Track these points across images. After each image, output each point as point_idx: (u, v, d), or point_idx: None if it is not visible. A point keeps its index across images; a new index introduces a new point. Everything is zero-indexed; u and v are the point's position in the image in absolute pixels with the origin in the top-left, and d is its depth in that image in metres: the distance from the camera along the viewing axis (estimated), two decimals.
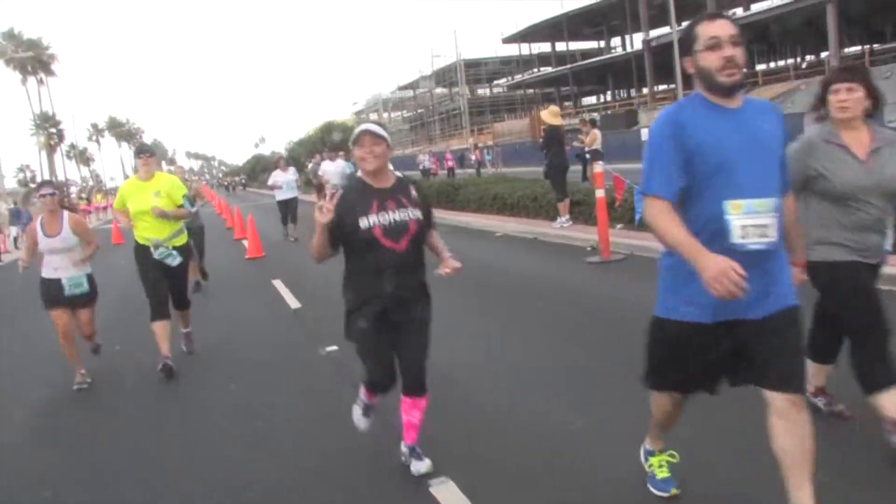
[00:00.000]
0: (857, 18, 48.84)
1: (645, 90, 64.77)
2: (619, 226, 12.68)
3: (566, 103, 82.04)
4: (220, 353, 8.41)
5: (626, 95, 79.53)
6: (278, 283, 12.35)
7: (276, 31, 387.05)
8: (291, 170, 20.26)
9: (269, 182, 19.54)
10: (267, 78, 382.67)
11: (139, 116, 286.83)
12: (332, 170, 19.87)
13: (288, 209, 19.44)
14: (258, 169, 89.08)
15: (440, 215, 19.49)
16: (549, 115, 13.67)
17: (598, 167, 11.21)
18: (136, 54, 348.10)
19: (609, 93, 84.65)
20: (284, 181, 19.25)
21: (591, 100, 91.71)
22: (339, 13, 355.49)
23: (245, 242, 18.58)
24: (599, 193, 11.03)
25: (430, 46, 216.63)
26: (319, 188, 24.76)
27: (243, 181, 78.40)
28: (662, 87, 68.38)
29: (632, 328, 5.12)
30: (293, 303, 10.73)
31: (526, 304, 9.16)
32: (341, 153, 23.01)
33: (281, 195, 19.28)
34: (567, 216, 14.02)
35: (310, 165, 29.28)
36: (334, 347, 7.66)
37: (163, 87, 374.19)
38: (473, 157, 46.88)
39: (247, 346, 8.64)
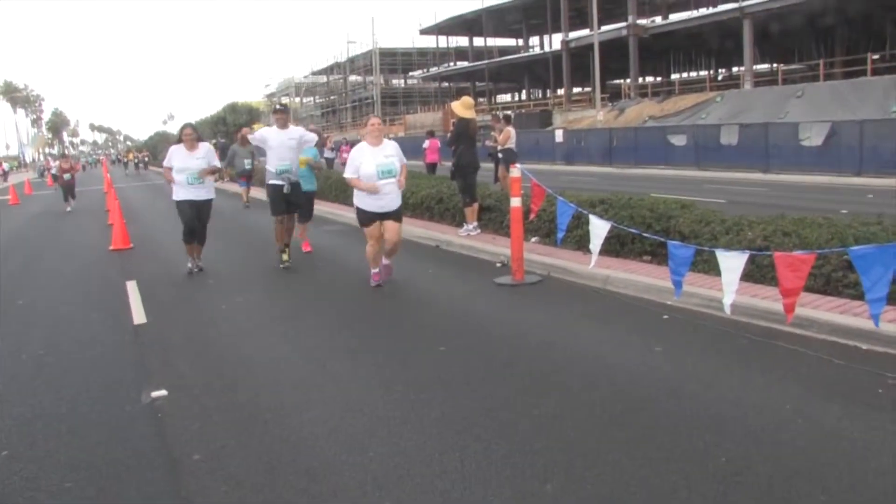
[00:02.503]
0: (771, 37, 49.01)
1: (561, 91, 63.98)
2: (533, 239, 11.12)
3: (481, 99, 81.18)
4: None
5: (541, 95, 79.08)
6: (132, 287, 10.45)
7: (191, 5, 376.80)
8: (203, 148, 11.26)
9: (165, 163, 11.21)
10: (179, 53, 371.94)
11: (39, 83, 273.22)
12: (279, 140, 11.10)
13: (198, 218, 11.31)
14: (160, 147, 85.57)
15: (336, 212, 17.87)
16: (461, 106, 11.94)
17: (515, 171, 9.51)
18: (39, 15, 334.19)
19: (525, 91, 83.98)
20: (185, 167, 10.93)
21: (507, 97, 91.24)
22: None
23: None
24: (515, 203, 9.27)
25: (346, 33, 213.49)
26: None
27: (146, 159, 73.97)
28: (578, 89, 67.87)
29: (534, 373, 5.85)
30: (138, 316, 8.75)
31: (402, 335, 7.46)
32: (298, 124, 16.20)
33: (182, 191, 11.04)
34: (475, 223, 12.38)
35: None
36: (163, 392, 5.88)
37: (67, 53, 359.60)
38: None
39: (44, 383, 6.42)
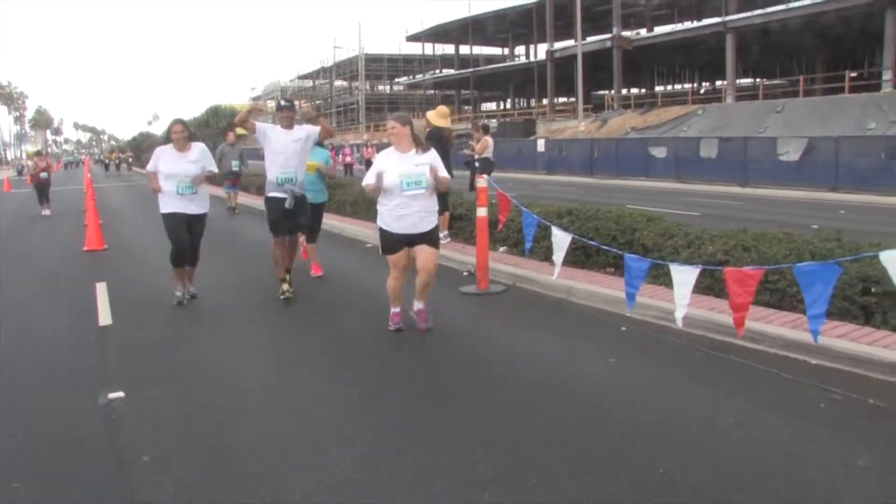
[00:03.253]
0: (754, 52, 49.46)
1: (545, 101, 64.25)
2: (502, 248, 11.22)
3: (466, 107, 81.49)
4: None
5: (525, 104, 79.30)
6: (101, 288, 10.43)
7: (179, 6, 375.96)
8: (197, 148, 9.35)
9: (150, 167, 9.31)
10: (165, 53, 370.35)
11: (23, 80, 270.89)
12: (282, 142, 9.28)
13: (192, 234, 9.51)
14: (143, 147, 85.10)
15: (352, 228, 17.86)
16: (436, 115, 12.01)
17: (482, 181, 9.63)
18: (24, 12, 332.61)
19: (509, 100, 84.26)
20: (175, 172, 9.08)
21: (491, 106, 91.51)
22: None
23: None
24: (481, 213, 9.41)
25: (333, 37, 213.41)
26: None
27: (129, 159, 72.92)
28: (563, 99, 68.17)
29: (487, 382, 5.99)
30: (105, 317, 8.78)
31: (359, 340, 7.53)
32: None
33: (172, 203, 9.17)
34: (446, 231, 12.45)
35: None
36: (120, 394, 5.92)
37: (52, 51, 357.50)
38: (366, 156, 43.28)
39: (1, 383, 6.44)
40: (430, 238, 7.50)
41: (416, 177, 7.25)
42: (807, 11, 41.92)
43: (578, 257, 9.73)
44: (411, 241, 7.42)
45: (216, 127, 48.85)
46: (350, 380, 6.24)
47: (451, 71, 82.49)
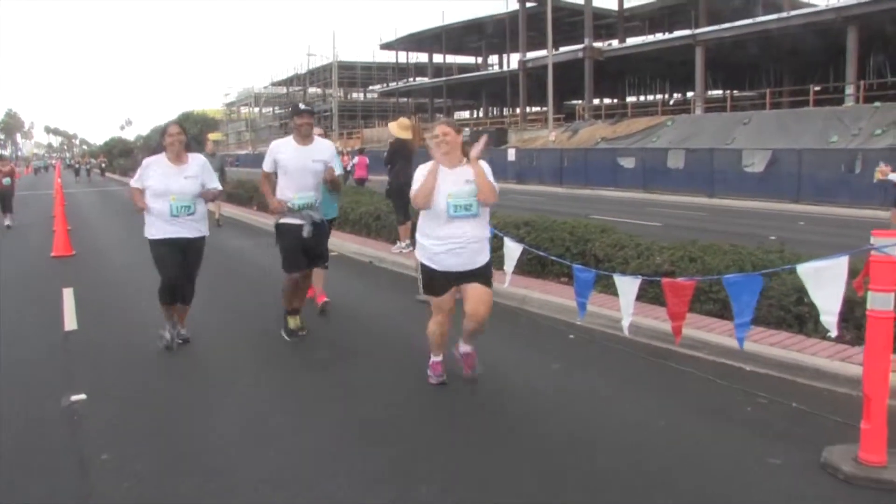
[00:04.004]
0: (723, 64, 50.24)
1: (518, 110, 64.78)
2: None
3: (439, 115, 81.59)
4: None
5: (498, 113, 79.78)
6: (68, 294, 10.58)
7: (152, 9, 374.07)
8: (196, 162, 7.65)
9: (134, 182, 7.65)
10: (138, 57, 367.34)
11: None
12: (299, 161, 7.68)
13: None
14: (115, 152, 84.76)
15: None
16: (398, 127, 12.28)
17: None
18: None
19: (482, 109, 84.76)
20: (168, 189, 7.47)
21: (465, 114, 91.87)
22: (218, 1, 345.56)
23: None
24: None
25: (307, 44, 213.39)
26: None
27: (102, 164, 71.95)
28: (536, 108, 68.67)
29: (434, 388, 6.19)
30: (70, 322, 8.96)
31: (315, 343, 7.78)
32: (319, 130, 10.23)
33: (162, 227, 7.50)
34: (407, 241, 12.71)
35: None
36: (82, 396, 6.13)
37: (23, 53, 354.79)
38: (343, 164, 42.97)
39: None
40: (483, 274, 6.03)
41: (466, 198, 5.81)
42: (773, 26, 42.73)
43: (534, 267, 10.03)
44: (461, 279, 5.96)
45: (188, 134, 48.99)
46: (301, 384, 6.50)
47: (425, 79, 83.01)
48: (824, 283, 4.65)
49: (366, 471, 4.68)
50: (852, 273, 4.68)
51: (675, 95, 66.39)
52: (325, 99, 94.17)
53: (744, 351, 6.45)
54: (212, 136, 13.21)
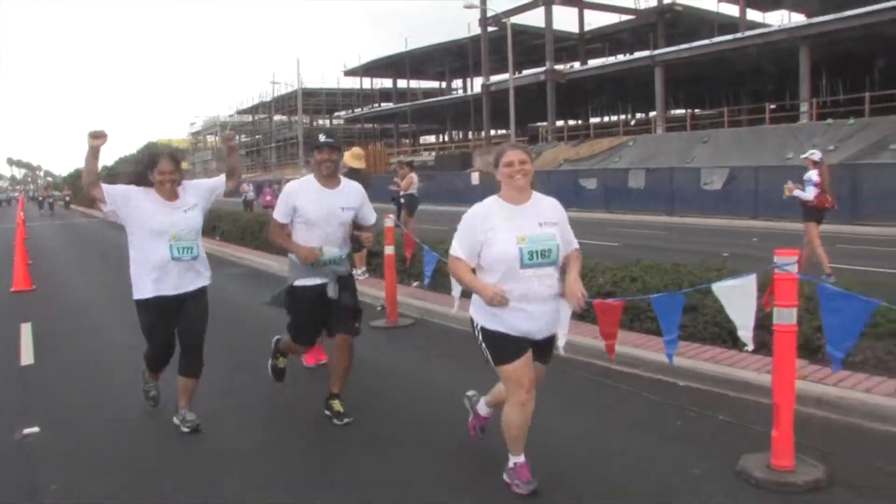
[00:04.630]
0: (683, 84, 51.07)
1: (482, 133, 65.34)
2: (415, 283, 11.72)
3: (404, 140, 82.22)
4: None
5: (463, 137, 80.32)
6: (25, 329, 10.61)
7: (116, 37, 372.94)
8: (190, 190, 6.11)
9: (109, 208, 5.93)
10: (103, 87, 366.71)
11: None
12: (323, 208, 6.11)
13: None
14: (79, 184, 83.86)
15: (244, 256, 18.21)
16: (351, 157, 12.43)
17: (389, 221, 10.18)
18: None
19: (447, 133, 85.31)
20: (161, 229, 5.85)
21: (430, 138, 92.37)
22: (181, 30, 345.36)
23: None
24: (388, 251, 9.98)
25: (272, 72, 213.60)
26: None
27: (66, 198, 70.64)
28: (503, 131, 69.29)
29: (380, 407, 6.32)
30: (27, 357, 9.02)
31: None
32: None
33: (152, 281, 5.87)
34: (364, 268, 12.95)
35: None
36: (35, 429, 6.26)
37: None
38: (264, 202, 35.55)
39: None
40: (552, 347, 4.97)
41: (544, 242, 4.54)
42: (729, 46, 43.57)
43: None
44: (537, 347, 4.75)
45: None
46: (255, 406, 6.66)
47: (389, 104, 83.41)
48: (737, 300, 4.93)
49: None
50: (763, 289, 4.97)
51: (638, 115, 67.29)
52: (291, 126, 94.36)
53: (678, 367, 6.72)
54: (184, 165, 13.07)
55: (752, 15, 57.96)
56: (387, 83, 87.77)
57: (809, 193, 12.46)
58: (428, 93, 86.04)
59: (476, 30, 63.90)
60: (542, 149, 53.04)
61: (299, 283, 6.08)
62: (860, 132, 34.20)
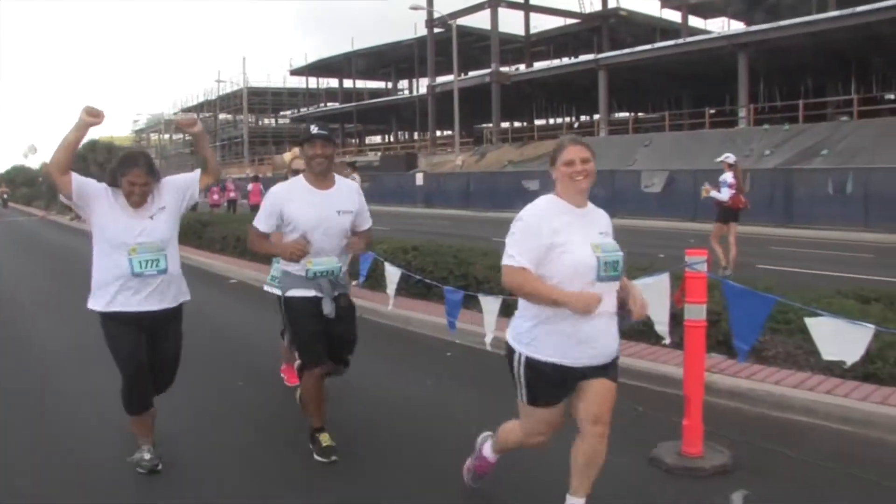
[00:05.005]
0: (627, 87, 51.86)
1: (427, 134, 65.65)
2: (354, 282, 11.89)
3: (351, 140, 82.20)
4: None
5: (409, 137, 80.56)
6: None
7: (56, 30, 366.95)
8: (165, 192, 5.09)
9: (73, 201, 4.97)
10: (43, 80, 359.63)
11: None
12: (316, 213, 5.19)
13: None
14: (18, 181, 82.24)
15: (187, 255, 18.14)
16: (291, 156, 12.66)
17: None
18: None
19: (393, 134, 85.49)
20: (123, 240, 4.91)
21: (377, 139, 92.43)
22: (124, 25, 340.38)
23: None
24: None
25: (217, 70, 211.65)
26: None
27: (4, 195, 68.81)
28: (448, 132, 69.65)
29: None
30: None
31: (194, 364, 8.00)
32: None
33: (116, 293, 4.94)
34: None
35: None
36: None
37: None
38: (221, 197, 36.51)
39: None
40: (616, 365, 4.13)
41: (614, 253, 3.91)
42: (671, 52, 44.42)
43: (421, 290, 10.47)
44: (586, 374, 3.92)
45: (94, 162, 47.81)
46: (182, 406, 6.78)
47: (336, 104, 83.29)
48: (653, 297, 5.20)
49: None
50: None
51: (582, 118, 68.09)
52: (236, 125, 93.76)
53: None
54: None
55: (694, 21, 59.15)
56: (333, 83, 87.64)
57: (724, 195, 13.10)
58: (374, 93, 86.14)
59: (423, 31, 64.25)
60: (487, 150, 53.55)
61: (289, 293, 5.25)
62: (794, 138, 35.20)
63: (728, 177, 13.19)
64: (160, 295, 4.95)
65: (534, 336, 3.86)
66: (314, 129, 5.28)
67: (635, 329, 7.82)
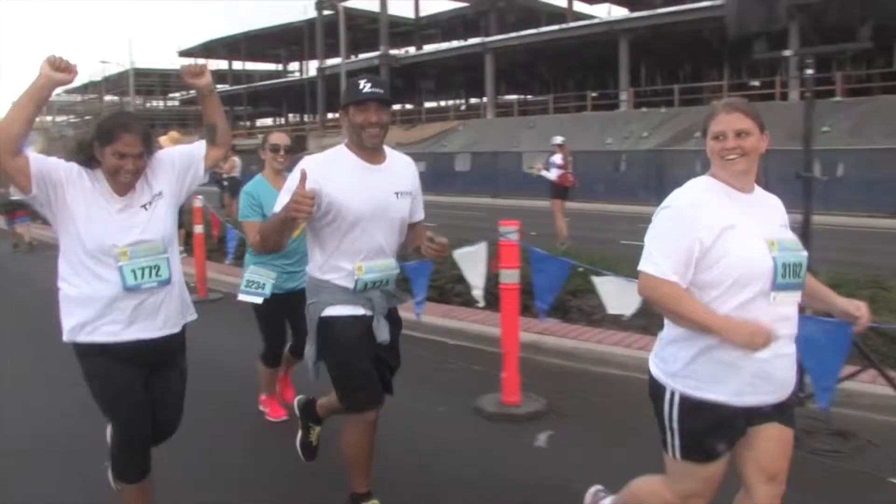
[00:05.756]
0: (514, 71, 52.83)
1: (317, 117, 65.52)
2: (227, 261, 12.28)
3: (241, 123, 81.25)
4: None
5: (299, 120, 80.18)
6: None
7: None
8: (159, 172, 3.59)
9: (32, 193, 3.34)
10: None
11: None
12: (359, 193, 3.73)
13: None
14: None
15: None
16: (168, 140, 12.90)
17: (199, 202, 10.74)
18: None
19: (283, 117, 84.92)
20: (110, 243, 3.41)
21: (268, 121, 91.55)
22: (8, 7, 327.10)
23: None
24: (197, 230, 10.68)
25: (101, 51, 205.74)
26: None
27: None
28: (337, 115, 69.45)
29: None
30: None
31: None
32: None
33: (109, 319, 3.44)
34: (181, 248, 13.38)
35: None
36: None
37: None
38: None
39: None
40: (790, 405, 3.04)
41: (796, 253, 2.92)
42: (556, 36, 45.48)
43: None
44: (760, 418, 2.95)
45: None
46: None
47: (225, 86, 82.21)
48: (471, 264, 5.83)
49: None
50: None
51: (471, 101, 68.90)
52: (123, 107, 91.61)
53: (451, 328, 7.61)
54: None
55: (580, 7, 60.44)
56: (223, 65, 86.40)
57: (553, 174, 13.98)
58: (266, 75, 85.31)
59: (312, 12, 63.94)
60: None
61: (329, 312, 3.72)
62: (671, 121, 36.58)
63: (557, 158, 14.12)
64: (162, 316, 3.52)
65: (694, 369, 2.90)
66: (366, 87, 3.69)
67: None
